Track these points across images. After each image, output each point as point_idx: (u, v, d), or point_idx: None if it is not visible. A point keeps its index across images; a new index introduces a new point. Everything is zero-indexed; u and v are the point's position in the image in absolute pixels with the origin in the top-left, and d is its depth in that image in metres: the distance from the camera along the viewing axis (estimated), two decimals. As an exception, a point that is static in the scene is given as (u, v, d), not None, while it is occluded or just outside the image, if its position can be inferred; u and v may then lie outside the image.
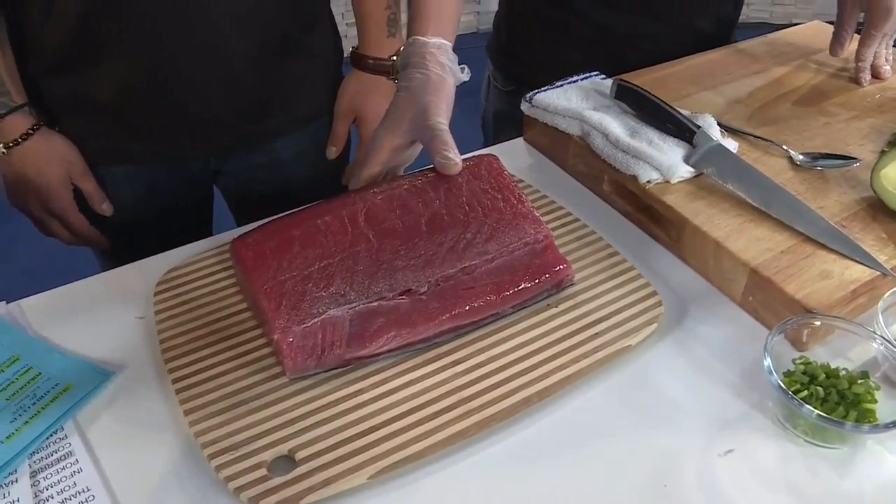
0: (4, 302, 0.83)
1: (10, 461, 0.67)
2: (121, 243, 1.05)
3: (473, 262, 0.75)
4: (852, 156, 0.91)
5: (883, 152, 0.89)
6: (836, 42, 1.11)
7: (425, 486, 0.64)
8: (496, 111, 1.32)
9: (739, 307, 0.80)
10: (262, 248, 0.73)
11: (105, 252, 1.08)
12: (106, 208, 1.01)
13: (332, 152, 1.11)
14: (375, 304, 0.72)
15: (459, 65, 0.85)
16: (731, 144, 0.91)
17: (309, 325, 0.70)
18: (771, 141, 0.94)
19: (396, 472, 0.64)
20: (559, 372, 0.71)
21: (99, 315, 0.81)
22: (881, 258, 0.77)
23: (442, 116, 0.79)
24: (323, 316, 0.70)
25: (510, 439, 0.68)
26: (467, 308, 0.73)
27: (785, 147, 0.93)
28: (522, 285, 0.76)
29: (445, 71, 0.82)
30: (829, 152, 0.92)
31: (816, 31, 1.26)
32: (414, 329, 0.72)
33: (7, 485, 0.66)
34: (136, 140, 0.98)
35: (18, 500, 0.65)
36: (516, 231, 0.77)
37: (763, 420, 0.69)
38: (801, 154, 0.92)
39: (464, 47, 0.91)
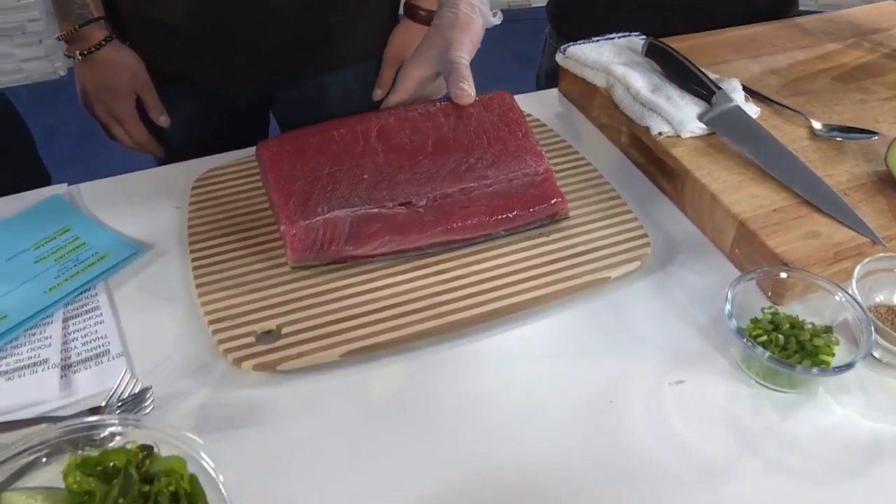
0: (66, 184, 0.95)
1: (49, 307, 0.78)
2: (174, 156, 1.15)
3: (472, 185, 0.81)
4: (875, 131, 0.91)
5: (906, 129, 0.89)
6: None
7: (389, 372, 0.71)
8: (548, 67, 1.36)
9: (727, 259, 0.82)
10: (280, 151, 0.81)
11: (160, 161, 1.19)
12: (164, 120, 1.11)
13: (377, 95, 1.18)
14: (375, 210, 0.79)
15: (493, 10, 0.90)
16: (753, 109, 0.93)
17: (312, 221, 0.77)
18: (796, 110, 0.95)
19: (365, 356, 0.71)
20: (533, 291, 0.76)
21: (142, 202, 0.91)
22: (874, 226, 0.78)
23: (464, 52, 0.85)
24: (326, 215, 0.78)
25: (476, 344, 0.73)
26: (459, 225, 0.79)
27: (808, 117, 0.93)
28: (515, 212, 0.81)
29: (475, 11, 0.88)
30: (853, 125, 0.92)
31: (885, 12, 1.23)
32: (407, 237, 0.78)
33: (44, 325, 0.77)
34: (195, 63, 1.08)
35: (51, 338, 0.76)
36: (517, 162, 0.82)
37: (722, 362, 0.72)
38: (822, 125, 0.92)
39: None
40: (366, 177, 0.80)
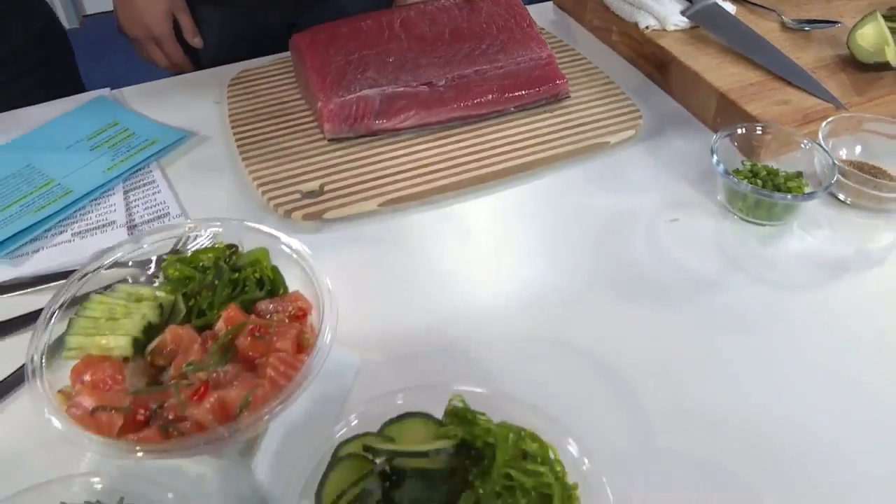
0: (109, 88, 1.04)
1: (109, 182, 0.87)
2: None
3: (485, 67, 0.91)
4: (838, 20, 1.02)
5: (865, 16, 1.00)
6: None
7: (418, 219, 0.81)
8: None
9: (710, 130, 0.93)
10: (315, 39, 0.91)
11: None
12: (197, 42, 1.19)
13: None
14: (401, 89, 0.89)
15: None
16: (729, 7, 1.04)
17: (346, 98, 0.87)
18: (769, 8, 1.06)
19: (398, 207, 0.81)
20: (542, 153, 0.86)
21: (182, 100, 1.00)
22: (837, 95, 0.89)
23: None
24: (358, 93, 0.87)
25: (491, 197, 0.84)
26: (475, 101, 0.89)
27: (780, 14, 1.04)
28: (523, 91, 0.91)
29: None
30: (819, 18, 1.04)
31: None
32: (430, 111, 0.88)
33: (108, 196, 0.86)
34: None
35: (115, 206, 0.85)
36: (523, 48, 0.92)
37: (710, 205, 0.83)
38: (792, 19, 1.03)
39: None
40: (391, 60, 0.89)
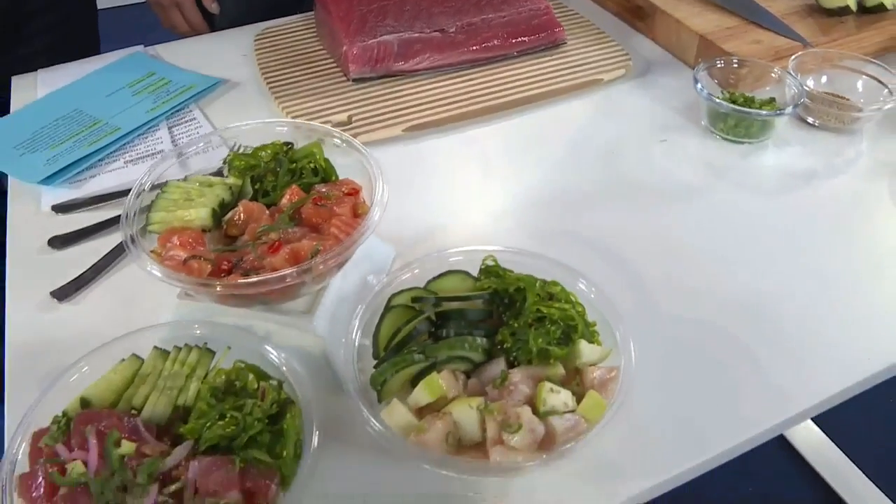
0: (142, 45, 1.13)
1: (153, 120, 0.96)
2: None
3: (490, 16, 1.01)
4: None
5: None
6: None
7: (438, 143, 0.91)
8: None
9: (692, 70, 1.04)
10: (337, -8, 1.01)
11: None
12: (214, 7, 1.29)
13: None
14: (416, 35, 0.99)
15: None
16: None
17: (368, 42, 0.97)
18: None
19: (421, 133, 0.91)
20: (545, 87, 0.97)
21: (211, 54, 1.09)
22: (804, 35, 1.01)
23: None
24: (378, 38, 0.97)
25: (505, 122, 0.94)
26: (483, 45, 1.00)
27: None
28: (525, 37, 1.02)
29: None
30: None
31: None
32: (443, 54, 0.98)
33: (154, 131, 0.95)
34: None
35: (161, 138, 0.94)
36: (524, 0, 1.03)
37: (694, 128, 0.94)
38: (762, -24, 1.15)
39: None
40: (407, 9, 1.00)
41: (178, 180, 0.69)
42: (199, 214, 0.64)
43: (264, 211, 0.65)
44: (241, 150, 0.73)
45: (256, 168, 0.69)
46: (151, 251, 0.62)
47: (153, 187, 0.67)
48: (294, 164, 0.70)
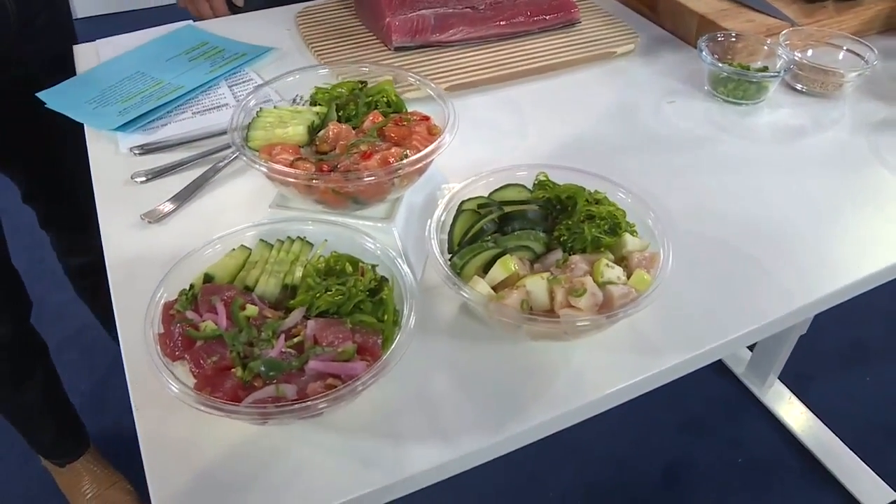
0: (192, 20, 1.23)
1: (213, 79, 1.06)
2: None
3: (515, -5, 1.14)
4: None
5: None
6: None
7: (474, 102, 1.03)
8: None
9: (694, 48, 1.17)
10: (379, -28, 1.12)
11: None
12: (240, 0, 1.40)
13: None
14: (451, 10, 1.11)
15: None
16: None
17: (408, 15, 1.08)
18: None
19: (457, 93, 1.03)
20: (565, 57, 1.09)
21: (257, 29, 1.20)
22: (791, 15, 1.15)
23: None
24: (418, 12, 1.09)
25: (534, 84, 1.06)
26: (509, 21, 1.12)
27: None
28: (545, 16, 1.14)
29: None
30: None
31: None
32: (474, 28, 1.10)
33: (215, 89, 1.05)
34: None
35: (224, 94, 1.04)
36: (544, -18, 1.16)
37: (698, 93, 1.07)
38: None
39: None
40: (442, -13, 1.12)
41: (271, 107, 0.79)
42: (296, 131, 0.74)
43: (351, 131, 0.75)
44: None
45: (339, 98, 0.79)
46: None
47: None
48: (370, 98, 0.80)
